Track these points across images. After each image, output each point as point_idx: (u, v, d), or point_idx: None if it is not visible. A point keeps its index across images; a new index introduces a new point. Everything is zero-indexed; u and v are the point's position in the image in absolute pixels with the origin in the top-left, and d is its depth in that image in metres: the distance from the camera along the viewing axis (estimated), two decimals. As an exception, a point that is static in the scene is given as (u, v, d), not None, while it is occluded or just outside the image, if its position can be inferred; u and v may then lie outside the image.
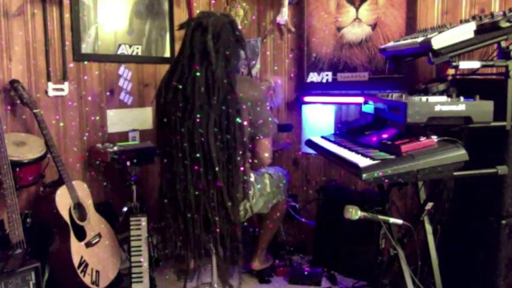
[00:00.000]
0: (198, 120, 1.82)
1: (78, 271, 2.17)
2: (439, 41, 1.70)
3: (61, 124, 2.57)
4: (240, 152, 1.88)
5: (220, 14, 2.00)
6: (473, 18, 1.83)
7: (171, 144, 1.89)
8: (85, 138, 2.69)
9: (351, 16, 2.73)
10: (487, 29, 1.73)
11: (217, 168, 1.83)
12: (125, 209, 2.54)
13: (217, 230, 1.90)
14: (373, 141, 1.85)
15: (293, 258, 2.89)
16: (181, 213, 1.92)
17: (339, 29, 2.79)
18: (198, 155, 1.83)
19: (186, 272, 2.00)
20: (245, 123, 1.90)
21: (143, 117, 2.99)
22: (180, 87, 1.85)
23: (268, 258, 2.71)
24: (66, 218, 2.19)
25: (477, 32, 1.71)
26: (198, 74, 1.83)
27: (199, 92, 1.82)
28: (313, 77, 2.95)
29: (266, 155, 2.07)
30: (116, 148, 2.51)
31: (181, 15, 3.18)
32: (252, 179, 2.16)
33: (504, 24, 1.68)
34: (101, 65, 2.75)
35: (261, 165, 2.15)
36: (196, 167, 1.85)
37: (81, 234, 2.26)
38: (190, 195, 1.87)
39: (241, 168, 1.90)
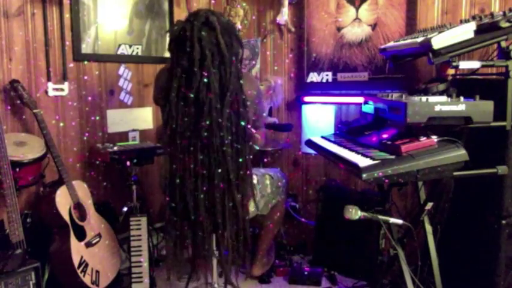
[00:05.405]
0: (208, 125, 1.76)
1: (78, 271, 2.17)
2: (439, 41, 1.70)
3: (61, 124, 2.57)
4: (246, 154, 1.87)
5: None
6: (473, 18, 1.83)
7: (181, 151, 1.81)
8: (85, 138, 2.69)
9: (350, 16, 2.73)
10: (487, 29, 1.73)
11: (231, 175, 1.79)
12: (125, 209, 2.54)
13: (224, 231, 1.87)
14: (373, 141, 1.85)
15: (293, 258, 2.89)
16: (190, 218, 1.87)
17: (339, 29, 2.79)
18: (207, 159, 1.78)
19: (190, 275, 1.99)
20: (248, 126, 1.89)
21: (143, 117, 2.99)
22: (192, 95, 1.76)
23: (269, 259, 2.70)
24: (66, 218, 2.19)
25: (477, 32, 1.71)
26: (211, 78, 1.75)
27: (211, 97, 1.76)
28: (313, 77, 2.95)
29: (258, 136, 2.09)
30: (116, 148, 2.51)
31: (181, 15, 3.17)
32: (255, 181, 2.16)
33: (504, 24, 1.68)
34: (101, 65, 2.75)
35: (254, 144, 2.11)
36: (204, 171, 1.80)
37: (81, 234, 2.26)
38: (199, 199, 1.81)
39: (247, 172, 1.89)
